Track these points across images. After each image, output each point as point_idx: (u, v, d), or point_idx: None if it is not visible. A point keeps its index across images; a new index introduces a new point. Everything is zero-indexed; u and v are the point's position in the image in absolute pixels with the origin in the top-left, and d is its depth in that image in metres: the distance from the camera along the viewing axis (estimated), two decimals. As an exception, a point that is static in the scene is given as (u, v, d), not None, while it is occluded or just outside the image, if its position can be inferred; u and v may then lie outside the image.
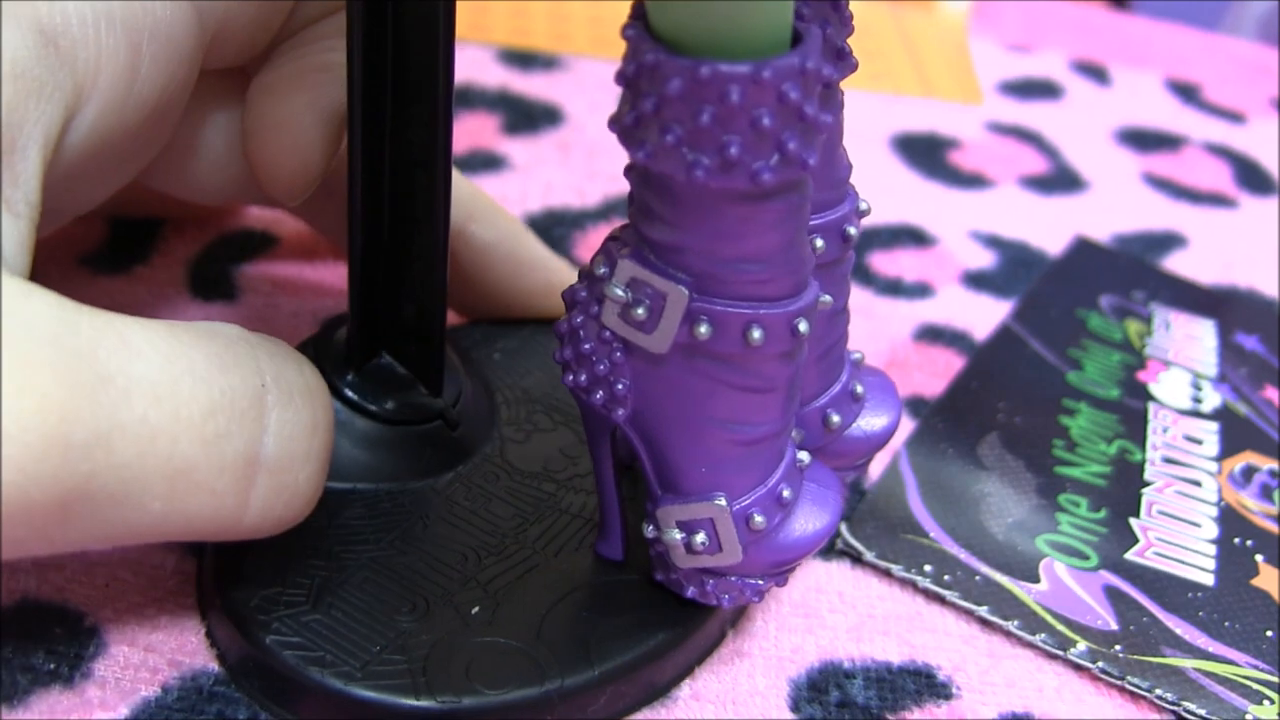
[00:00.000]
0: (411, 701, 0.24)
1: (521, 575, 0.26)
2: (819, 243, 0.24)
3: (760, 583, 0.25)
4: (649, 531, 0.25)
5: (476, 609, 0.26)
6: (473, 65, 0.51)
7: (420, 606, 0.26)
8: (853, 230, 0.25)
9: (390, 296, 0.28)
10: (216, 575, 0.26)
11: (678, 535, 0.24)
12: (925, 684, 0.28)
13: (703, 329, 0.22)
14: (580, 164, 0.44)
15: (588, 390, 0.24)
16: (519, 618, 0.26)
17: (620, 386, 0.24)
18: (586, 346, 0.24)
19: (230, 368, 0.22)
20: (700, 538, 0.24)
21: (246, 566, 0.26)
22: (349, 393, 0.28)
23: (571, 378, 0.25)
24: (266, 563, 0.26)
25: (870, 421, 0.28)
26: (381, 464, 0.28)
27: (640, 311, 0.23)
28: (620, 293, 0.23)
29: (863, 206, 0.26)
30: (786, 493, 0.24)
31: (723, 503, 0.24)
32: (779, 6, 0.20)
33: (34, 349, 0.20)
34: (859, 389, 0.27)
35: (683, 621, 0.26)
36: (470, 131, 0.46)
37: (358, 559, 0.26)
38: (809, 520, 0.25)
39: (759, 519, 0.24)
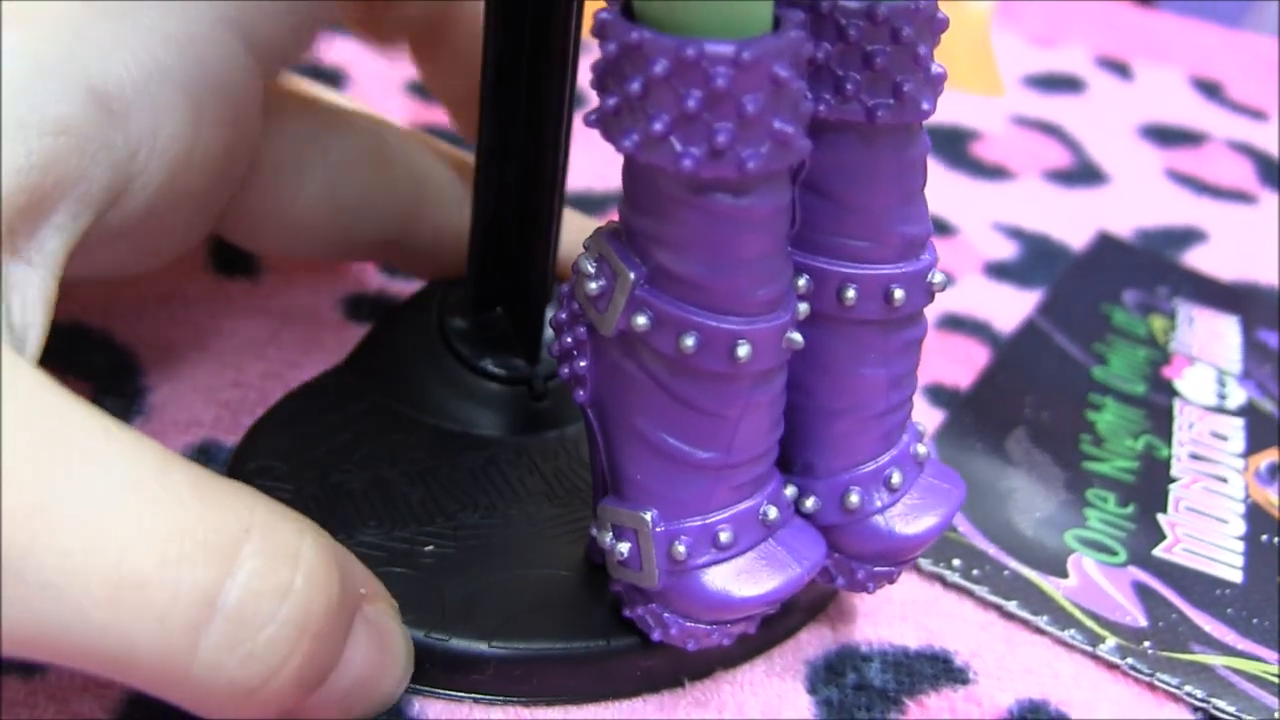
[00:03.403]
0: None
1: (497, 539, 0.27)
2: (850, 293, 0.23)
3: (706, 628, 0.24)
4: (592, 528, 0.25)
5: (431, 547, 0.26)
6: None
7: (386, 525, 0.27)
8: (899, 292, 0.23)
9: (505, 254, 0.29)
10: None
11: (609, 538, 0.24)
12: (942, 668, 0.28)
13: (640, 319, 0.22)
14: (601, 147, 0.44)
15: (559, 361, 0.24)
16: (460, 569, 0.26)
17: (582, 364, 0.24)
18: (563, 315, 0.24)
19: (217, 503, 0.20)
20: (625, 547, 0.24)
21: (263, 427, 0.29)
22: (452, 336, 0.30)
23: (556, 346, 0.24)
24: (284, 432, 0.29)
25: (902, 519, 0.25)
26: (457, 408, 0.29)
27: (594, 287, 0.23)
28: (588, 266, 0.23)
29: (937, 279, 0.24)
30: (725, 535, 0.23)
31: (648, 517, 0.23)
32: None
33: None
34: (896, 477, 0.25)
35: (606, 636, 0.26)
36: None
37: (370, 466, 0.28)
38: (751, 579, 0.23)
39: (681, 549, 0.23)
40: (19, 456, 0.18)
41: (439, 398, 0.29)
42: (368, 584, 0.24)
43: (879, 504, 0.25)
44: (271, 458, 0.28)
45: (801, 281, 0.23)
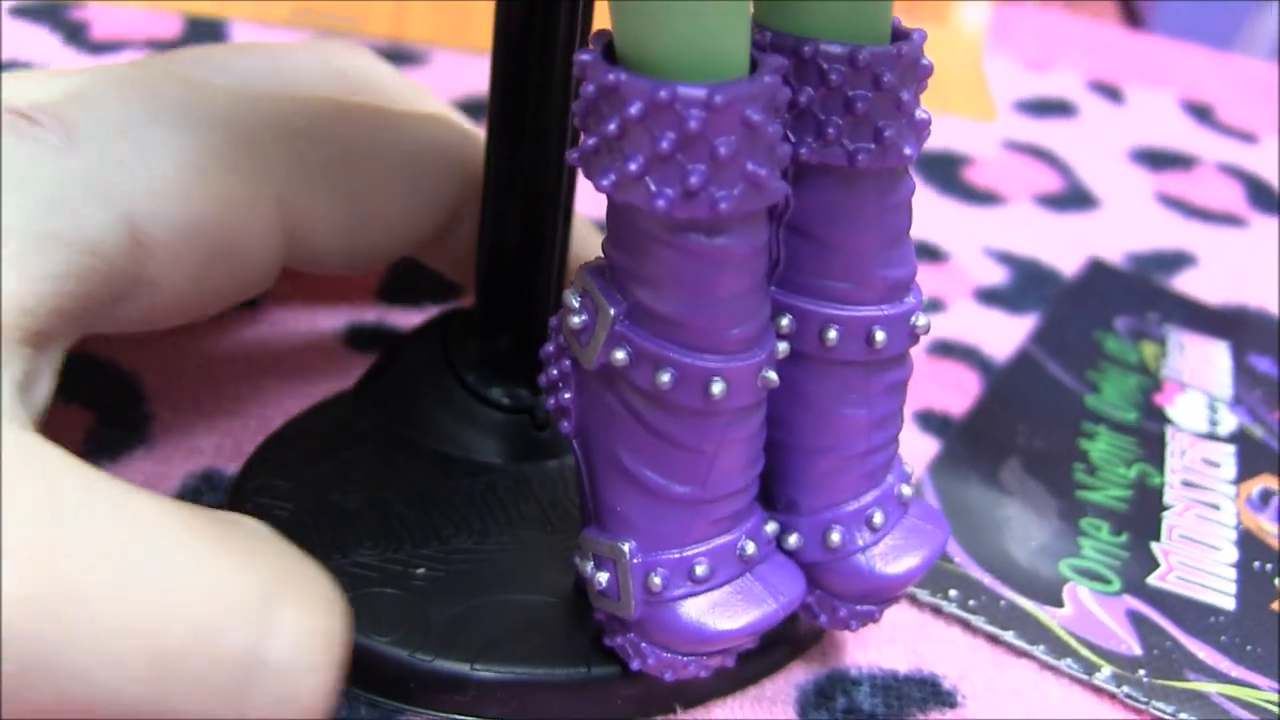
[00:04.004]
0: None
1: (488, 564, 0.27)
2: (831, 334, 0.23)
3: (683, 659, 0.24)
4: (575, 557, 0.25)
5: (422, 569, 0.27)
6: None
7: (381, 546, 0.27)
8: (880, 334, 0.24)
9: (511, 284, 0.30)
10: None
11: (590, 567, 0.24)
12: (931, 692, 0.28)
13: (619, 354, 0.22)
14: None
15: (546, 392, 0.25)
16: (449, 592, 0.26)
17: (566, 396, 0.24)
18: (550, 348, 0.24)
19: (242, 563, 0.21)
20: (604, 577, 0.24)
21: (269, 445, 0.29)
22: (459, 364, 0.30)
23: (544, 378, 0.25)
24: (288, 451, 0.29)
25: (883, 559, 0.25)
26: (460, 433, 0.30)
27: (577, 321, 0.23)
28: (573, 301, 0.23)
29: (920, 322, 0.24)
30: (701, 569, 0.24)
31: (626, 548, 0.24)
32: (739, 30, 0.20)
33: (17, 483, 0.19)
34: (878, 517, 0.25)
35: (587, 663, 0.26)
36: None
37: (369, 487, 0.28)
38: (726, 613, 0.24)
39: (657, 580, 0.23)
40: (51, 548, 0.18)
41: (442, 423, 0.30)
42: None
43: (860, 543, 0.25)
44: (274, 475, 0.29)
45: (785, 321, 0.24)
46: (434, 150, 0.31)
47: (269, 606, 0.21)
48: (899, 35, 0.23)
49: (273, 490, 0.28)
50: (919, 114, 0.23)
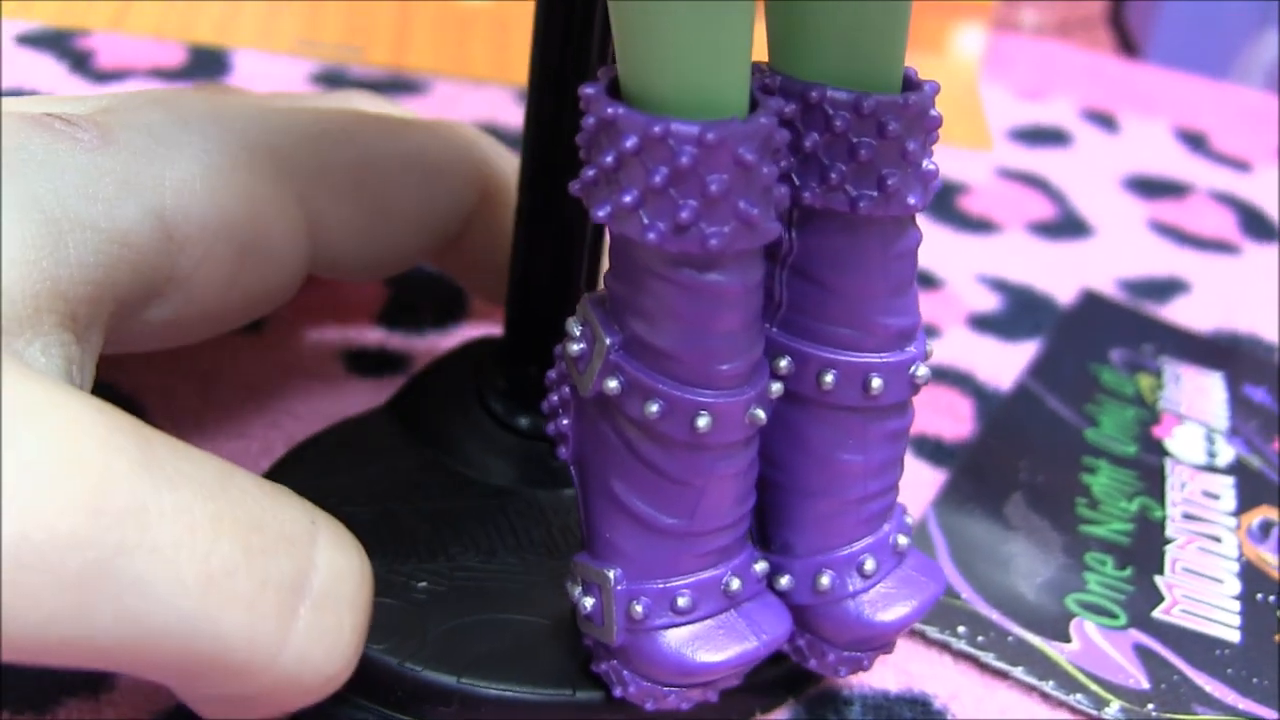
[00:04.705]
0: None
1: (491, 583, 0.28)
2: (828, 378, 0.24)
3: (664, 689, 0.25)
4: (568, 580, 0.25)
5: (424, 583, 0.27)
6: (495, 105, 0.52)
7: (389, 558, 0.27)
8: (877, 381, 0.24)
9: (540, 313, 0.30)
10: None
11: (578, 592, 0.25)
12: (921, 712, 0.29)
13: (613, 383, 0.23)
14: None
15: (547, 418, 0.25)
16: (447, 607, 0.27)
17: (565, 422, 0.25)
18: (553, 374, 0.25)
19: (282, 499, 0.22)
20: (589, 602, 0.24)
21: (291, 458, 0.30)
22: (486, 390, 0.31)
23: (546, 404, 0.25)
24: (309, 464, 0.30)
25: (873, 606, 0.25)
26: (480, 456, 0.30)
27: (576, 349, 0.24)
28: (574, 329, 0.24)
29: (920, 372, 0.24)
30: (684, 601, 0.24)
31: (612, 575, 0.24)
32: (738, 72, 0.21)
33: (82, 414, 0.19)
34: (870, 564, 0.25)
35: (572, 687, 0.26)
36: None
37: (384, 500, 0.29)
38: (706, 646, 0.24)
39: (639, 609, 0.24)
40: (117, 465, 0.19)
41: (465, 446, 0.31)
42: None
43: (851, 588, 0.25)
44: (293, 484, 0.29)
45: (783, 363, 0.24)
46: (448, 152, 0.31)
47: (311, 540, 0.22)
48: (911, 85, 0.23)
49: None
50: (926, 165, 0.23)
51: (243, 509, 0.21)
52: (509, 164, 0.33)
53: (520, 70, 0.54)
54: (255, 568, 0.20)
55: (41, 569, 0.18)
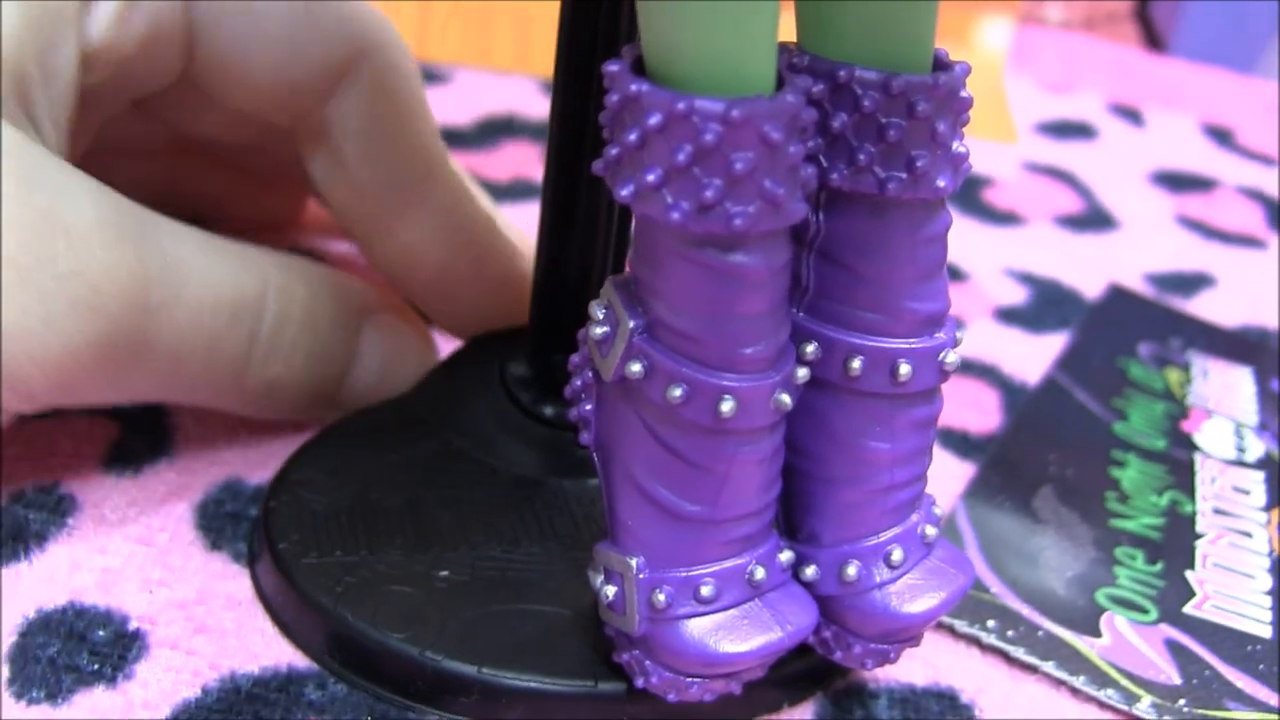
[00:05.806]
0: (324, 598, 0.26)
1: (513, 573, 0.27)
2: (855, 364, 0.23)
3: (686, 680, 0.24)
4: (590, 568, 0.25)
5: (446, 572, 0.27)
6: (517, 96, 0.51)
7: (411, 546, 0.27)
8: (905, 367, 0.23)
9: (565, 303, 0.30)
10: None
11: (600, 580, 0.24)
12: (949, 705, 0.28)
13: (635, 366, 0.22)
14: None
15: (570, 403, 0.25)
16: (469, 596, 0.27)
17: (588, 407, 0.24)
18: (577, 359, 0.24)
19: (245, 257, 0.29)
20: (611, 590, 0.24)
21: (315, 443, 0.30)
22: (511, 381, 0.31)
23: (569, 389, 0.25)
24: (333, 449, 0.30)
25: (899, 597, 0.24)
26: (506, 446, 0.30)
27: (599, 332, 0.23)
28: (598, 312, 0.23)
29: (950, 359, 0.24)
30: (707, 590, 0.23)
31: (634, 563, 0.24)
32: (765, 49, 0.20)
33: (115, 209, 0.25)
34: (897, 554, 0.24)
35: (594, 678, 0.26)
36: (514, 161, 0.47)
37: (408, 488, 0.29)
38: (730, 636, 0.23)
39: (661, 597, 0.23)
40: (147, 242, 0.26)
41: (491, 435, 0.30)
42: (372, 297, 0.32)
43: (878, 579, 0.24)
44: (316, 471, 0.29)
45: (810, 348, 0.23)
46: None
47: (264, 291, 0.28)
48: (941, 66, 0.23)
49: (313, 484, 0.29)
50: (957, 147, 0.23)
51: (219, 268, 0.28)
52: (391, 35, 0.32)
53: (542, 61, 0.54)
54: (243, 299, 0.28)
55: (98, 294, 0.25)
